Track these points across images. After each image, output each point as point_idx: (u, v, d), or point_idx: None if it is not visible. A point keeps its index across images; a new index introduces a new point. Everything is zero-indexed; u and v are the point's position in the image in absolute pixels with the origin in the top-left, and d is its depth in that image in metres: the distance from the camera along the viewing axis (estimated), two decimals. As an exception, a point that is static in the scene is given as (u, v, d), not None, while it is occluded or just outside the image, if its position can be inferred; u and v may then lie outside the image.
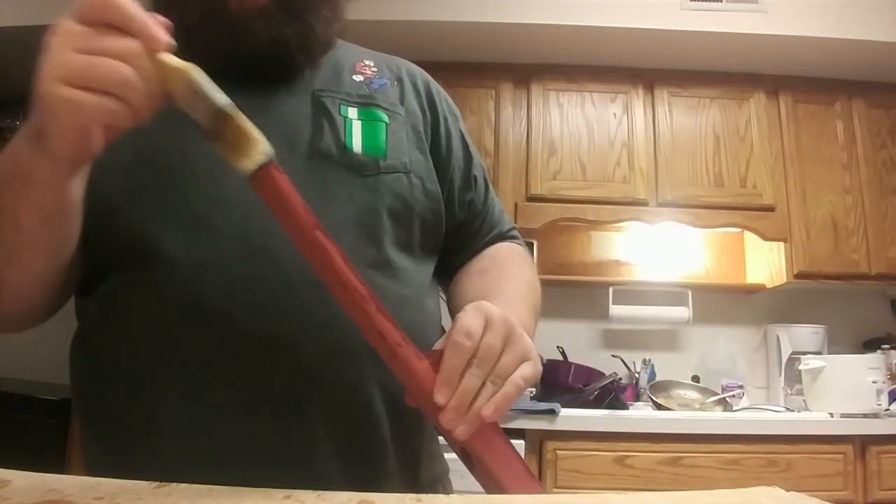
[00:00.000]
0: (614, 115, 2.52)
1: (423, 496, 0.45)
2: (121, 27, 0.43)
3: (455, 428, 0.49)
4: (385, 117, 0.70)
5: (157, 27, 0.44)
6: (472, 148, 0.80)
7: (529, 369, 0.52)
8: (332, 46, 0.72)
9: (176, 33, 0.49)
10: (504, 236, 0.82)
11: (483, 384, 0.50)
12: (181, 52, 0.46)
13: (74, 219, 0.54)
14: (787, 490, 0.49)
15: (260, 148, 0.46)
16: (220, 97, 0.45)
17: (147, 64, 0.43)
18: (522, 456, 1.80)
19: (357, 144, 0.66)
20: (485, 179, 0.81)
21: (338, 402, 0.58)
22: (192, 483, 0.45)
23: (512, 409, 1.86)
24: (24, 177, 0.48)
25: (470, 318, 0.51)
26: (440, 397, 0.48)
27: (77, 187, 0.51)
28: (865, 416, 1.96)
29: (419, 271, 0.69)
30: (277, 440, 0.57)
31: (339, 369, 0.58)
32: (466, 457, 0.52)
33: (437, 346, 0.52)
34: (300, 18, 0.64)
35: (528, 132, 2.50)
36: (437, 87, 0.80)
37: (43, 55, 0.43)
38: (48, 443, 2.10)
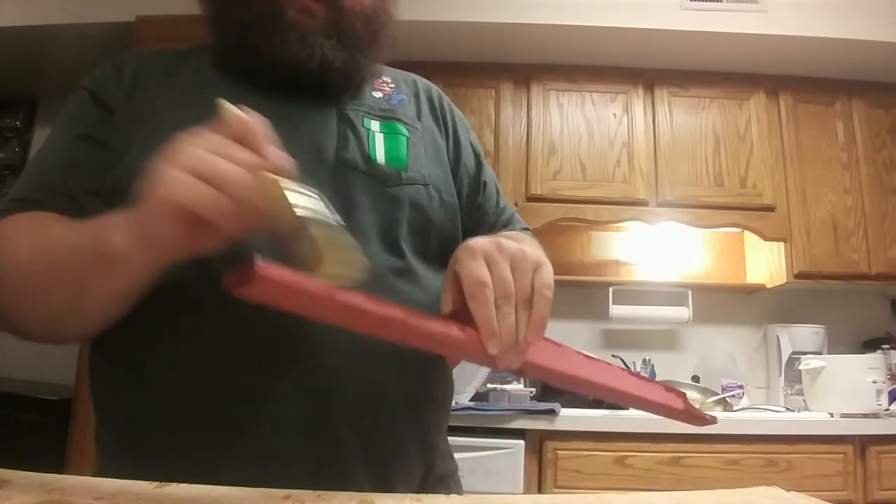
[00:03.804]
0: (614, 115, 2.52)
1: (422, 496, 0.45)
2: (251, 147, 0.46)
3: (511, 363, 0.51)
4: (405, 131, 0.73)
5: (284, 158, 0.47)
6: (483, 158, 0.83)
7: (545, 274, 0.53)
8: (365, 83, 0.74)
9: (232, 27, 0.56)
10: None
11: (516, 314, 0.51)
12: (231, 48, 0.51)
13: (140, 292, 0.54)
14: (787, 490, 0.50)
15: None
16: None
17: (261, 178, 0.45)
18: (522, 456, 1.81)
19: (380, 156, 0.68)
20: (496, 187, 0.83)
21: (360, 402, 0.59)
22: (194, 483, 0.45)
23: (512, 409, 1.86)
24: (107, 259, 0.49)
25: (471, 265, 0.51)
26: (493, 349, 0.50)
27: (154, 275, 0.52)
28: (865, 416, 1.96)
29: (438, 280, 0.70)
30: (307, 439, 0.57)
31: (361, 370, 0.59)
32: (518, 371, 0.55)
33: (444, 294, 0.54)
34: (349, 50, 0.67)
35: (528, 132, 2.50)
36: (448, 101, 0.84)
37: (171, 149, 0.45)
38: (48, 443, 2.09)
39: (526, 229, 0.85)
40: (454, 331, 0.51)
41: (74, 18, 2.35)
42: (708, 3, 2.36)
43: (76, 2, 2.36)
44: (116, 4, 2.33)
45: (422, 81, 0.83)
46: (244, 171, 0.44)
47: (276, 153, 0.47)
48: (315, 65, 0.65)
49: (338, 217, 0.47)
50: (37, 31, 2.39)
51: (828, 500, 0.50)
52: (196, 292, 0.57)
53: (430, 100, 0.80)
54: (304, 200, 0.45)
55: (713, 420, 0.62)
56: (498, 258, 0.52)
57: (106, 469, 0.61)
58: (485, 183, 0.81)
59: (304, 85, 0.67)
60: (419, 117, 0.77)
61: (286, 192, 0.44)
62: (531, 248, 0.54)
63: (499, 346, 0.50)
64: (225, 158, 0.44)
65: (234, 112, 0.47)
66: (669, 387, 0.61)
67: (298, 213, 0.44)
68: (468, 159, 0.80)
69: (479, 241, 0.53)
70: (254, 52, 0.65)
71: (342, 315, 0.47)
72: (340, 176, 0.65)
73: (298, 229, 0.44)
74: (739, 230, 2.54)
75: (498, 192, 0.83)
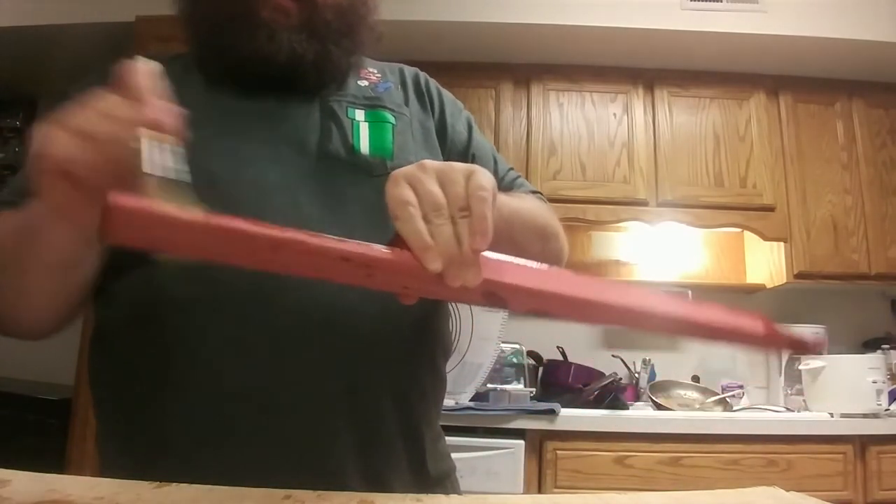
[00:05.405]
0: (614, 115, 2.52)
1: (422, 496, 0.45)
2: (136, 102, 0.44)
3: (466, 279, 0.43)
4: (391, 118, 0.72)
5: (168, 111, 0.45)
6: (476, 132, 0.80)
7: (480, 177, 0.46)
8: (346, 76, 0.74)
9: (203, 26, 0.59)
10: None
11: (454, 224, 0.44)
12: (205, 48, 0.56)
13: (82, 268, 0.56)
14: (787, 490, 0.50)
15: None
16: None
17: (134, 132, 0.43)
18: (522, 456, 1.81)
19: (364, 146, 0.68)
20: (493, 157, 0.81)
21: (346, 391, 0.60)
22: (194, 483, 0.46)
23: (512, 409, 1.86)
24: (33, 230, 0.52)
25: (392, 191, 0.46)
26: (433, 263, 0.42)
27: (82, 245, 0.52)
28: (865, 416, 1.96)
29: None
30: (298, 434, 0.58)
31: (346, 361, 0.60)
32: (495, 299, 0.47)
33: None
34: (322, 42, 0.67)
35: (528, 132, 2.50)
36: (435, 84, 0.82)
37: (63, 112, 0.44)
38: (48, 443, 2.09)
39: (535, 192, 0.81)
40: (376, 250, 0.43)
41: (74, 18, 2.35)
42: (708, 3, 2.36)
43: (76, 2, 2.36)
44: (116, 4, 2.33)
45: (408, 69, 0.82)
46: (115, 127, 0.42)
47: (160, 107, 0.44)
48: (284, 60, 0.65)
49: (186, 176, 0.43)
50: (37, 31, 2.39)
51: (828, 500, 0.50)
52: (187, 296, 0.58)
53: (417, 85, 0.80)
54: (166, 158, 0.43)
55: (818, 343, 0.48)
56: (421, 176, 0.46)
57: (106, 470, 0.61)
58: (473, 155, 0.78)
59: (278, 80, 0.67)
60: (406, 104, 0.76)
61: (143, 148, 0.42)
62: (461, 163, 0.48)
63: (437, 258, 0.42)
64: (107, 116, 0.43)
65: (128, 68, 0.44)
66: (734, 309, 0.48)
67: (144, 169, 0.41)
68: (457, 136, 0.79)
69: (402, 168, 0.48)
70: (224, 51, 0.66)
71: (224, 244, 0.40)
72: (324, 168, 0.65)
73: (157, 187, 0.41)
74: (739, 230, 2.54)
75: (496, 160, 0.80)
